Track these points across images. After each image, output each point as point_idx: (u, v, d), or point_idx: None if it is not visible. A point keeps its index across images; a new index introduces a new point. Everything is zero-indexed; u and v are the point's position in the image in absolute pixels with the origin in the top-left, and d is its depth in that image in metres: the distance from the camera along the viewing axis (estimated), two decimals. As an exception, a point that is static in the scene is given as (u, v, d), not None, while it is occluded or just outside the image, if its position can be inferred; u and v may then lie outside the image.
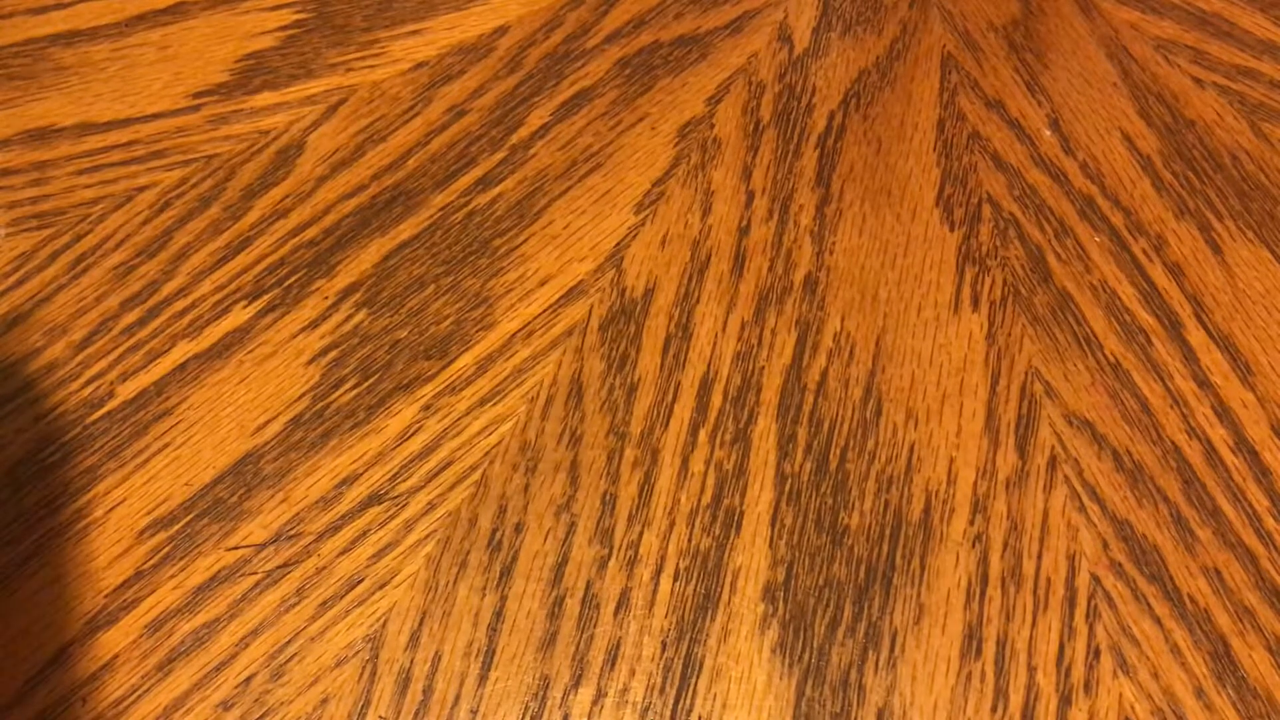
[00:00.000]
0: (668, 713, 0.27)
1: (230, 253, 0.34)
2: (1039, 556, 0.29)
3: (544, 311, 0.33)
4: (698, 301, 0.33)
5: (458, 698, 0.27)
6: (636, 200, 0.36)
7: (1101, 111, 0.39)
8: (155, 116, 0.37)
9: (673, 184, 0.36)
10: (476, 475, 0.30)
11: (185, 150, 0.36)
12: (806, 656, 0.27)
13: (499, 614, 0.28)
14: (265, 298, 0.33)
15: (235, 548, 0.29)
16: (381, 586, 0.28)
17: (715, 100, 0.39)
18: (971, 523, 0.29)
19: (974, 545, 0.29)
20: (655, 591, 0.28)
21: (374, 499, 0.30)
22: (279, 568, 0.28)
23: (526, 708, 0.27)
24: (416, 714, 0.27)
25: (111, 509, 0.29)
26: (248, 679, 0.27)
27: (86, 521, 0.29)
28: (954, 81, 0.40)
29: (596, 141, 0.37)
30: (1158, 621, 0.28)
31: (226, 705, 0.27)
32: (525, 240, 0.35)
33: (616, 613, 0.28)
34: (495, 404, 0.31)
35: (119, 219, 0.35)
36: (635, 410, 0.31)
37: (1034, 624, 0.28)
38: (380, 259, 0.34)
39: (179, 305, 0.33)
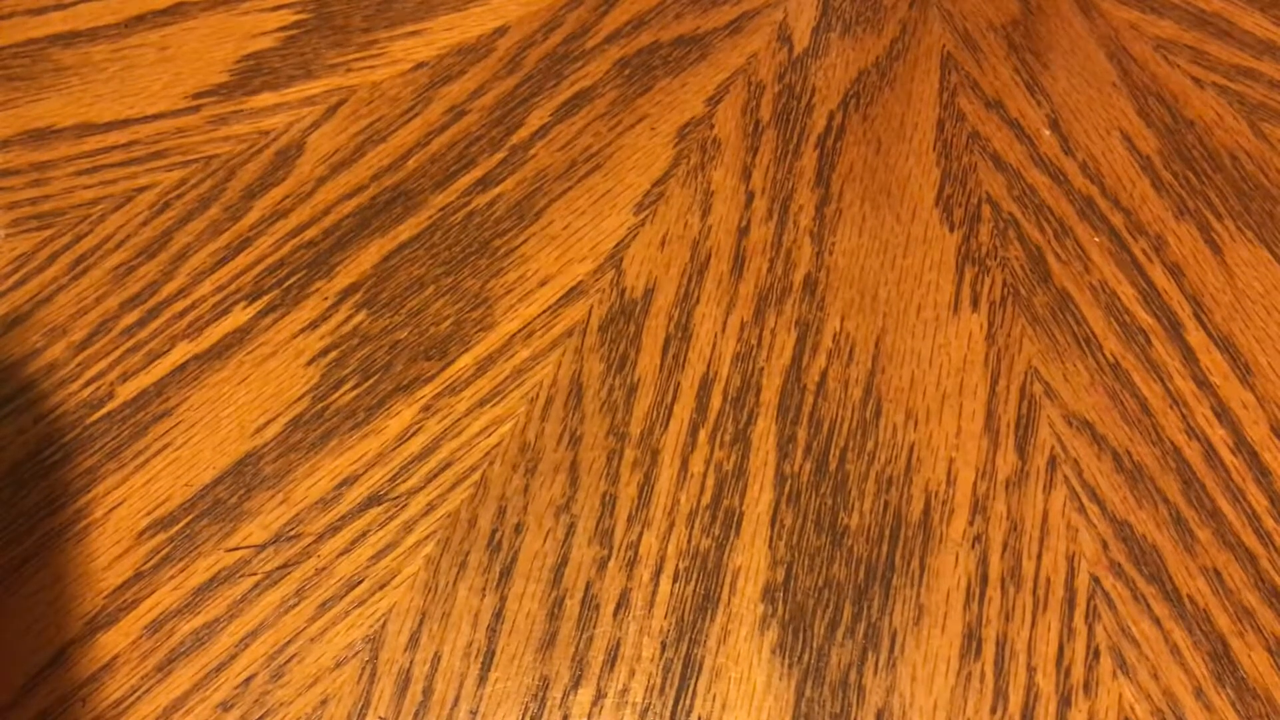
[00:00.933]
0: (667, 713, 0.27)
1: (230, 253, 0.34)
2: (1039, 557, 0.29)
3: (544, 312, 0.33)
4: (697, 302, 0.34)
5: (457, 698, 0.27)
6: (636, 201, 0.36)
7: (1101, 111, 0.39)
8: (155, 117, 0.37)
9: (672, 184, 0.36)
10: (476, 476, 0.30)
11: (185, 151, 0.36)
12: (806, 657, 0.27)
13: (499, 615, 0.28)
14: (265, 298, 0.33)
15: (235, 548, 0.29)
16: (381, 587, 0.28)
17: (715, 101, 0.39)
18: (971, 523, 0.29)
19: (974, 546, 0.29)
20: (655, 592, 0.28)
21: (374, 500, 0.30)
22: (279, 568, 0.28)
23: (526, 708, 0.27)
24: (416, 715, 0.27)
25: (111, 510, 0.29)
26: (247, 679, 0.27)
27: (86, 522, 0.29)
28: (954, 81, 0.40)
29: (596, 142, 0.37)
30: (1157, 622, 0.28)
31: (226, 706, 0.27)
32: (525, 241, 0.35)
33: (616, 613, 0.28)
34: (495, 405, 0.31)
35: (119, 220, 0.35)
36: (635, 411, 0.31)
37: (1033, 624, 0.28)
38: (380, 259, 0.34)
39: (179, 306, 0.33)
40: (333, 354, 0.32)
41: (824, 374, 0.32)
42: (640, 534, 0.29)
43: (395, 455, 0.30)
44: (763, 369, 0.32)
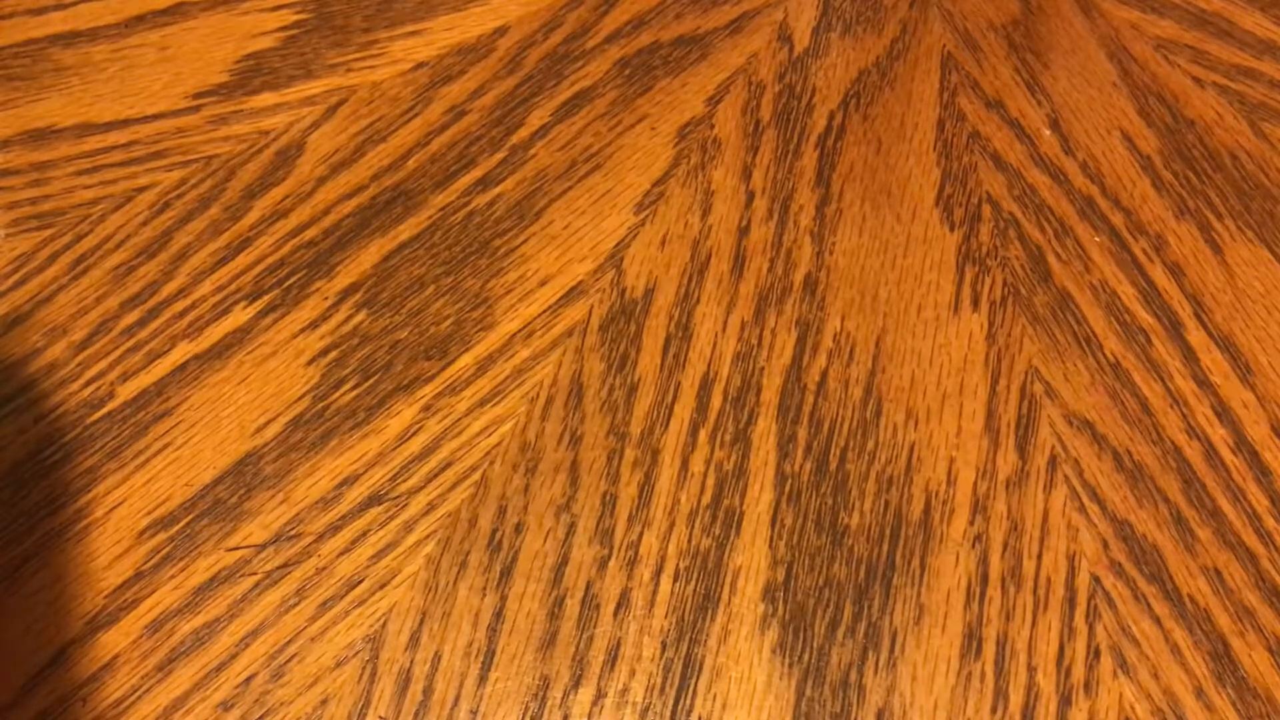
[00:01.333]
0: (668, 713, 0.27)
1: (230, 253, 0.34)
2: (1039, 557, 0.29)
3: (544, 312, 0.33)
4: (698, 302, 0.34)
5: (458, 698, 0.27)
6: (636, 200, 0.36)
7: (1101, 111, 0.39)
8: (155, 117, 0.37)
9: (673, 184, 0.36)
10: (476, 476, 0.30)
11: (185, 151, 0.36)
12: (806, 657, 0.27)
13: (499, 614, 0.28)
14: (265, 298, 0.33)
15: (235, 548, 0.29)
16: (381, 587, 0.28)
17: (715, 100, 0.39)
18: (971, 523, 0.29)
19: (974, 545, 0.29)
20: (655, 592, 0.28)
21: (374, 499, 0.30)
22: (279, 568, 0.28)
23: (526, 708, 0.27)
24: (416, 714, 0.27)
25: (112, 509, 0.29)
26: (248, 679, 0.27)
27: (87, 522, 0.29)
28: (954, 81, 0.40)
29: (596, 142, 0.37)
30: (1158, 621, 0.28)
31: (227, 705, 0.27)
32: (525, 240, 0.35)
33: (616, 613, 0.28)
34: (495, 404, 0.31)
35: (119, 219, 0.35)
36: (635, 410, 0.31)
37: (1034, 624, 0.28)
38: (380, 259, 0.34)
39: (179, 306, 0.33)
40: (333, 354, 0.32)
41: (824, 374, 0.32)
42: (641, 533, 0.29)
43: (395, 455, 0.30)
44: (763, 369, 0.32)
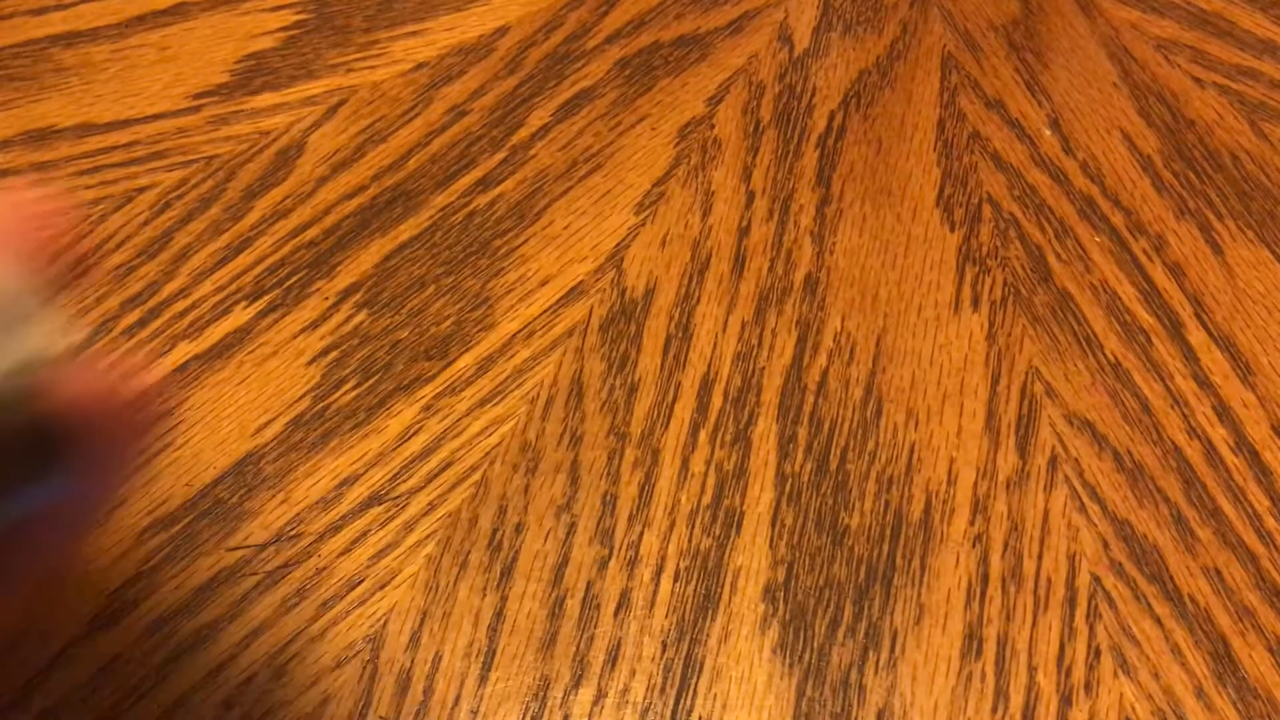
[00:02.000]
0: (668, 713, 0.27)
1: (230, 253, 0.34)
2: (1039, 557, 0.29)
3: (544, 312, 0.33)
4: (698, 302, 0.34)
5: (458, 698, 0.27)
6: (637, 201, 0.36)
7: (1102, 111, 0.39)
8: (155, 117, 0.37)
9: (673, 184, 0.36)
10: (477, 476, 0.30)
11: (185, 151, 0.36)
12: (807, 657, 0.27)
13: (499, 614, 0.28)
14: (266, 298, 0.33)
15: (236, 548, 0.29)
16: (382, 587, 0.28)
17: (715, 100, 0.39)
18: (972, 523, 0.29)
19: (974, 545, 0.29)
20: (655, 592, 0.28)
21: (374, 499, 0.30)
22: (279, 568, 0.28)
23: (527, 708, 0.27)
24: (417, 714, 0.27)
25: (112, 509, 0.29)
26: (249, 679, 0.27)
27: (87, 522, 0.29)
28: (954, 81, 0.40)
29: (597, 142, 0.37)
30: (1158, 621, 0.28)
31: (228, 705, 0.27)
32: (525, 241, 0.35)
33: (617, 613, 0.28)
34: (495, 404, 0.31)
35: (119, 220, 0.35)
36: (635, 411, 0.31)
37: (1034, 624, 0.28)
38: (380, 259, 0.34)
39: (179, 306, 0.33)
40: (333, 354, 0.32)
41: (824, 374, 0.32)
42: (641, 534, 0.29)
43: (396, 455, 0.30)
44: (763, 369, 0.32)
